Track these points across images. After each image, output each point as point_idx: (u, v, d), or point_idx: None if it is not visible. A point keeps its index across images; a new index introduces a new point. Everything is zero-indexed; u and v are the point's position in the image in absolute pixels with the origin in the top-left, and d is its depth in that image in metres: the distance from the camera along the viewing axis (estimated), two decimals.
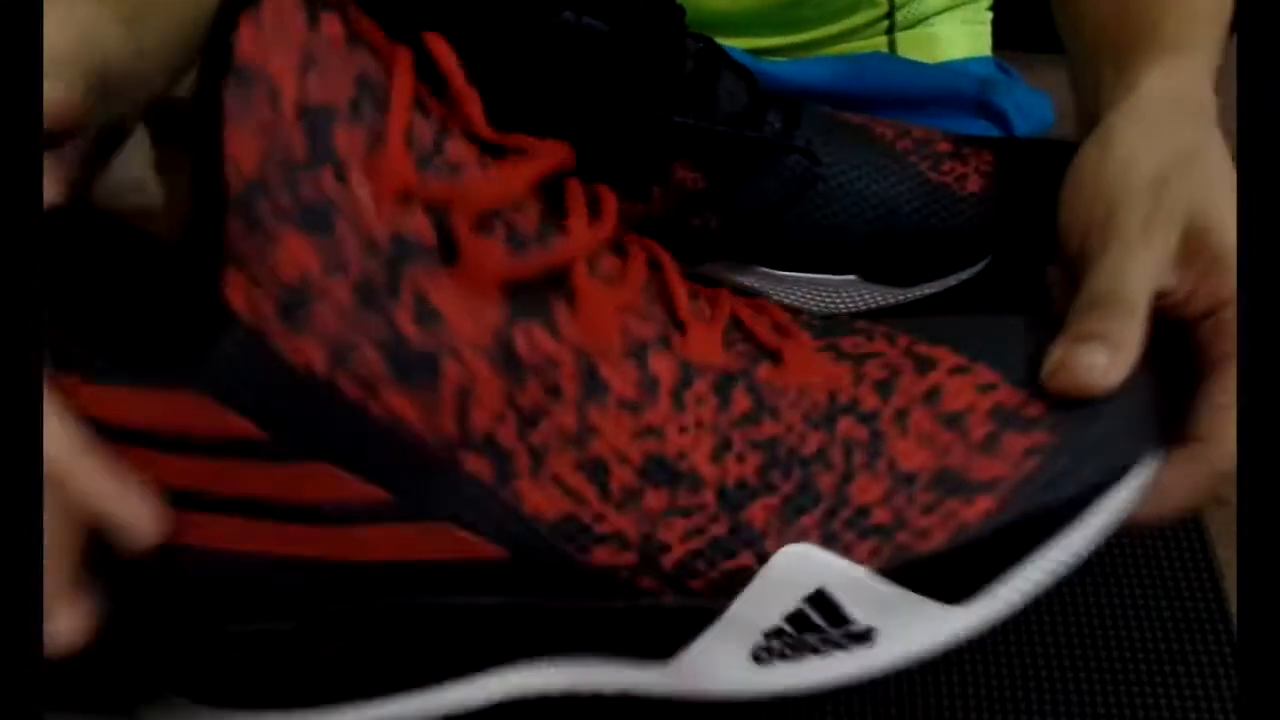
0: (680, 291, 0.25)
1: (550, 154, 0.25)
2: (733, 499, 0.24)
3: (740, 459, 0.24)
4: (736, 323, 0.26)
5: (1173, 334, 0.27)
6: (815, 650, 0.24)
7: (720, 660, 0.25)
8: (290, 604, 0.24)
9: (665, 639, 0.25)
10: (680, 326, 0.24)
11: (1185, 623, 0.32)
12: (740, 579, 0.24)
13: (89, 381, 0.22)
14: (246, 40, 0.21)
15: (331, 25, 0.22)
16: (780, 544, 0.24)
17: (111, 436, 0.22)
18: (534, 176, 0.24)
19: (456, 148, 0.23)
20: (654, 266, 0.26)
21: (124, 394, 0.22)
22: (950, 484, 0.24)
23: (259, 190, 0.21)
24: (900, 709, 0.30)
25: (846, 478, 0.24)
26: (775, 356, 0.25)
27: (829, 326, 0.27)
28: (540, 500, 0.23)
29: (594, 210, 0.25)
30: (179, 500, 0.23)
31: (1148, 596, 0.33)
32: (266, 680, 0.26)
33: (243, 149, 0.21)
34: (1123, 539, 0.32)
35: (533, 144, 0.25)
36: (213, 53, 0.21)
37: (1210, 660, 0.32)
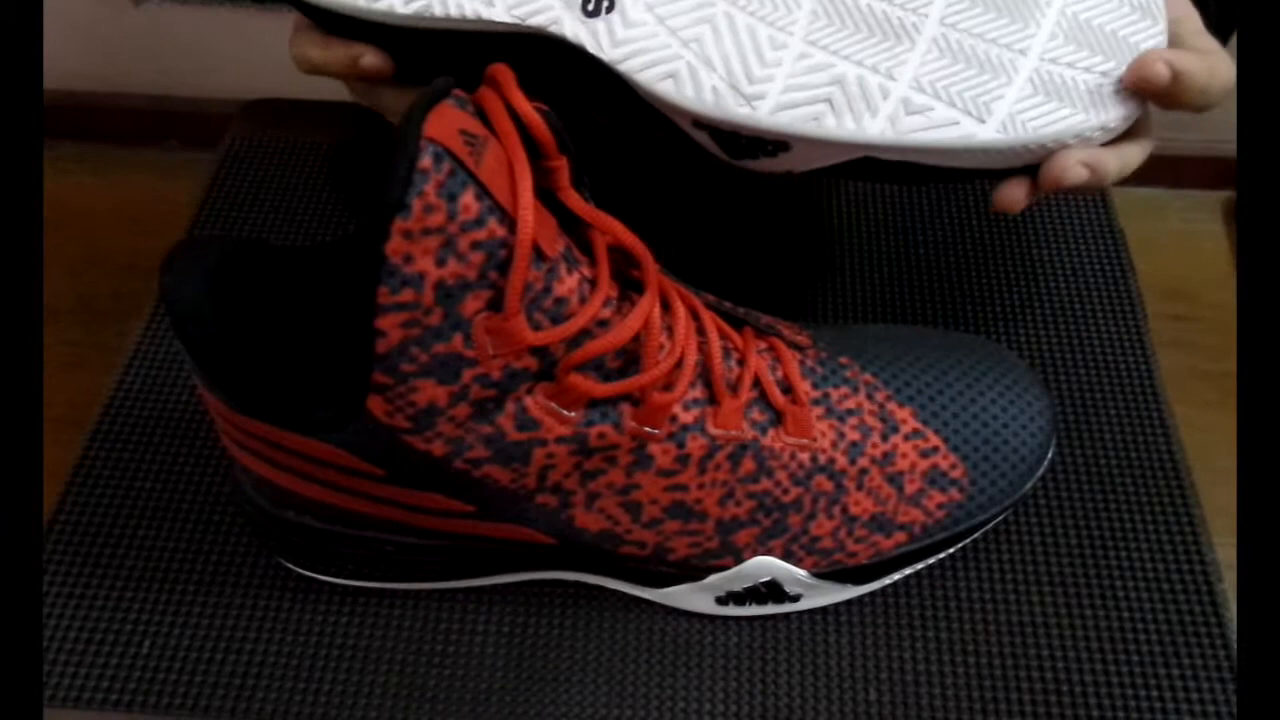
0: (717, 363, 0.31)
1: (616, 230, 0.29)
2: (727, 527, 0.32)
3: (738, 503, 0.32)
4: (756, 383, 0.32)
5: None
6: (758, 602, 0.35)
7: (693, 599, 0.35)
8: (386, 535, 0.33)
9: (659, 581, 0.35)
10: (715, 402, 0.31)
11: (1179, 624, 0.34)
12: (719, 569, 0.34)
13: (280, 428, 0.29)
14: (397, 241, 0.24)
15: (467, 202, 0.24)
16: (753, 555, 0.33)
17: (290, 454, 0.29)
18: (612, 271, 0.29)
19: (562, 285, 0.27)
20: (700, 332, 0.31)
21: (298, 437, 0.29)
22: (879, 524, 0.34)
23: (401, 354, 0.26)
24: (895, 710, 0.33)
25: (810, 517, 0.33)
26: (779, 419, 0.32)
27: (826, 374, 0.34)
28: (588, 521, 0.32)
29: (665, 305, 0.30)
30: (329, 484, 0.30)
31: (1141, 599, 0.35)
32: (365, 566, 0.35)
33: (391, 325, 0.25)
34: (1118, 542, 0.36)
35: (605, 222, 0.29)
36: (368, 248, 0.24)
37: (1204, 662, 0.33)
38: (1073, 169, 0.31)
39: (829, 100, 0.31)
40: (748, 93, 0.31)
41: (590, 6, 0.32)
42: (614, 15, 0.32)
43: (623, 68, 0.32)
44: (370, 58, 0.34)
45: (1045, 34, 0.32)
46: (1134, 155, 0.33)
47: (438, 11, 0.32)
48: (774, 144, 0.32)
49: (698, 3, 0.32)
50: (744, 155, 0.33)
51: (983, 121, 0.31)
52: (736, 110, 0.31)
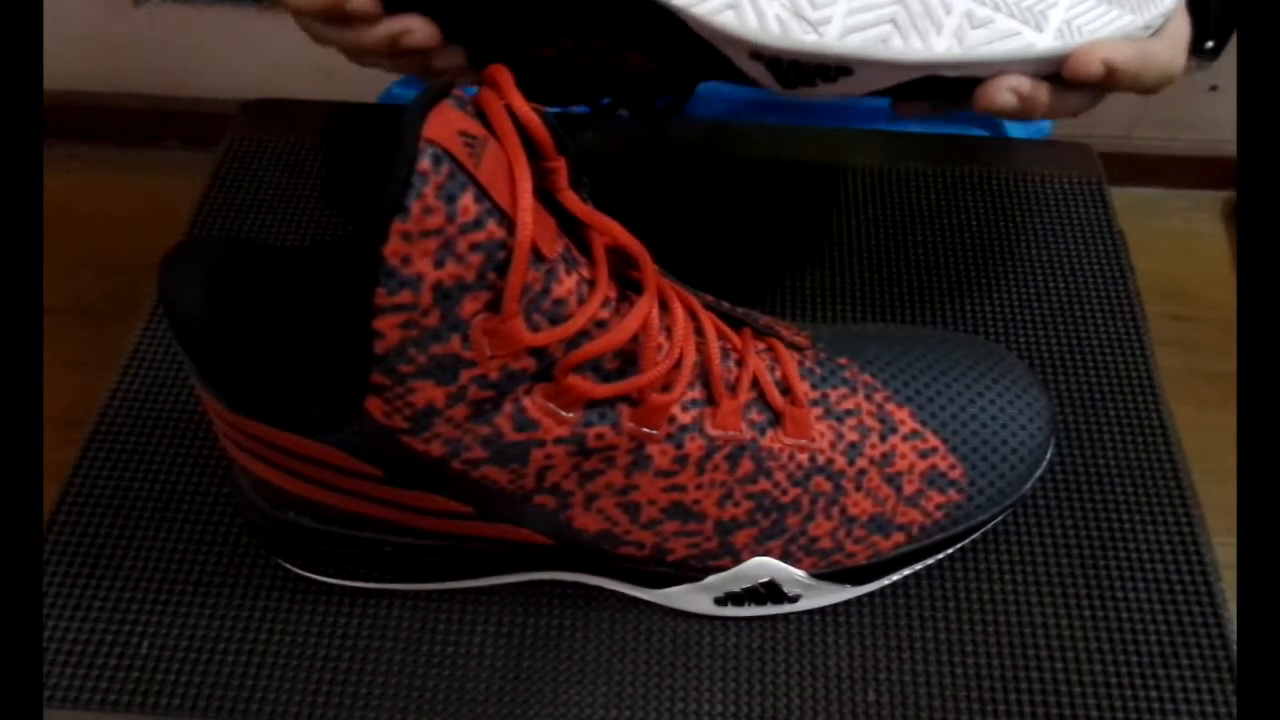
0: (716, 364, 0.31)
1: (614, 231, 0.29)
2: (726, 528, 0.32)
3: (737, 504, 0.32)
4: (755, 383, 0.32)
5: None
6: (756, 603, 0.35)
7: (692, 599, 0.35)
8: (382, 535, 0.33)
9: (658, 582, 0.35)
10: (714, 402, 0.31)
11: (1179, 625, 0.34)
12: (718, 570, 0.34)
13: (278, 429, 0.28)
14: (395, 242, 0.24)
15: (466, 204, 0.24)
16: (752, 556, 0.33)
17: (288, 455, 0.29)
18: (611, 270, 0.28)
19: (561, 287, 0.27)
20: (698, 333, 0.31)
21: (296, 438, 0.29)
22: (878, 524, 0.34)
23: (399, 355, 0.25)
24: (894, 710, 0.33)
25: (809, 518, 0.33)
26: (778, 419, 0.32)
27: (824, 375, 0.34)
28: (587, 521, 0.32)
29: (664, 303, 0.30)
30: (326, 483, 0.30)
31: (1140, 599, 0.35)
32: (363, 566, 0.35)
33: (389, 326, 0.25)
34: (1117, 542, 0.36)
35: (604, 223, 0.29)
36: (366, 249, 0.24)
37: (1204, 662, 0.33)
38: (1093, 65, 0.30)
39: (894, 20, 0.30)
40: (813, 19, 0.30)
41: None
42: None
43: (679, 2, 0.30)
44: (420, 30, 0.32)
45: None
46: (1160, 51, 0.32)
47: None
48: (836, 69, 0.31)
49: None
50: (801, 84, 0.32)
51: (1040, 30, 0.30)
52: (803, 38, 0.30)
